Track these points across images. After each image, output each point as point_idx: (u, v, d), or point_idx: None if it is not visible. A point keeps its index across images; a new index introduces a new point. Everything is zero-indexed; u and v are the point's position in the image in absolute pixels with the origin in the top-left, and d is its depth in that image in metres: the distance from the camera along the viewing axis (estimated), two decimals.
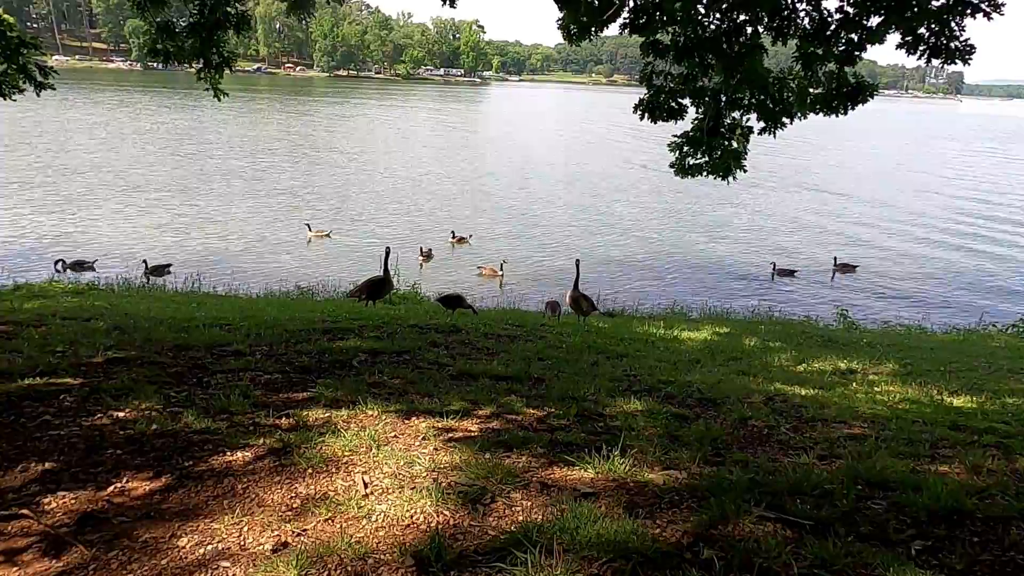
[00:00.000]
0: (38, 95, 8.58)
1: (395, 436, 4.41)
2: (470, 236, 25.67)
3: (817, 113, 7.31)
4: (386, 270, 10.24)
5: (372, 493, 3.60)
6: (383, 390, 5.52)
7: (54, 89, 8.72)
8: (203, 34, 8.10)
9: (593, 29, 7.01)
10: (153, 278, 18.86)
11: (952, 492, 3.71)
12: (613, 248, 26.69)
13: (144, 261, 19.99)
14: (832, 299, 21.43)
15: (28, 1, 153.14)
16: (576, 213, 32.68)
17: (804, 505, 3.59)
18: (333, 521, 3.32)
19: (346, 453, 4.06)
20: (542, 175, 43.50)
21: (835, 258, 24.57)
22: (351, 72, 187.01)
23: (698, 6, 6.81)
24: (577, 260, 11.35)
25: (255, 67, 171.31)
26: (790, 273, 23.74)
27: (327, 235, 25.43)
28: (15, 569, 2.93)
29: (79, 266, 19.79)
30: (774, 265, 23.85)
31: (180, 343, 6.65)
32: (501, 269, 21.77)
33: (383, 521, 3.32)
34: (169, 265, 20.26)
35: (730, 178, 7.82)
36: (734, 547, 3.13)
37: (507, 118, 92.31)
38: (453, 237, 25.15)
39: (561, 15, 7.08)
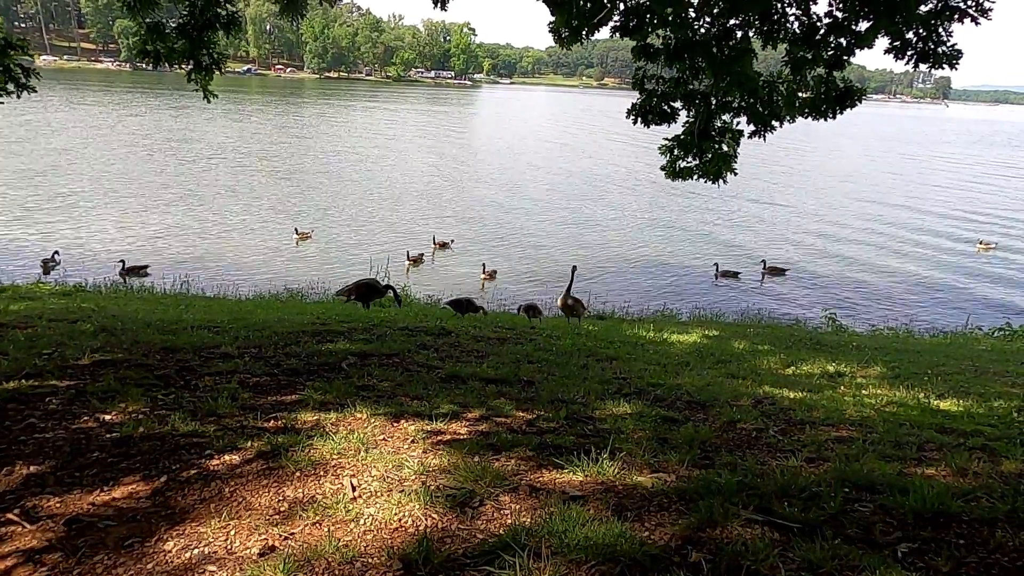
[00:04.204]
0: (18, 97, 8.48)
1: (384, 439, 4.39)
2: (451, 241, 25.71)
3: (806, 117, 7.36)
4: (378, 282, 10.35)
5: (360, 496, 3.59)
6: (372, 393, 5.50)
7: (36, 91, 8.64)
8: (193, 35, 8.06)
9: (584, 32, 7.03)
10: (131, 279, 18.77)
11: (938, 494, 3.72)
12: (601, 251, 26.76)
13: (121, 261, 19.89)
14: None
15: (16, 0, 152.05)
16: (564, 216, 32.75)
17: (792, 508, 3.60)
18: (321, 524, 3.30)
19: (334, 456, 4.04)
20: (531, 179, 43.56)
21: (764, 261, 24.96)
22: (342, 74, 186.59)
23: (689, 10, 6.84)
24: (574, 267, 11.53)
25: (245, 68, 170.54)
26: (734, 275, 24.09)
27: (308, 236, 25.43)
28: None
29: (45, 265, 19.82)
30: (717, 266, 24.19)
31: (168, 345, 6.61)
32: (484, 271, 21.94)
33: (371, 524, 3.31)
34: (147, 266, 20.14)
35: (720, 181, 7.85)
36: (722, 550, 3.13)
37: (497, 122, 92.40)
38: (435, 242, 25.19)
39: (552, 18, 7.10)
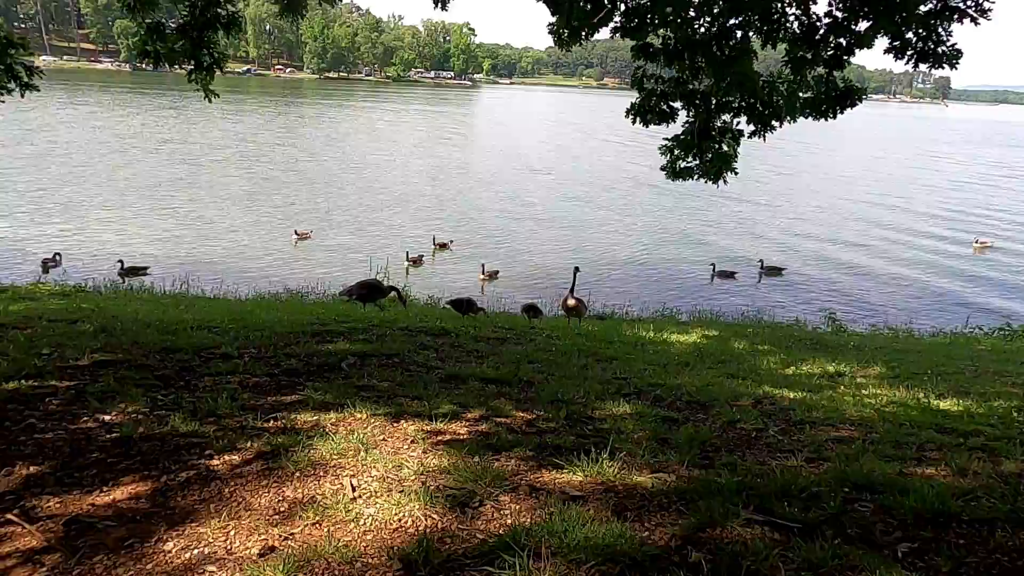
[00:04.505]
0: (22, 96, 8.49)
1: (384, 439, 4.39)
2: (451, 241, 25.72)
3: (806, 117, 7.35)
4: (380, 283, 10.41)
5: (360, 496, 3.58)
6: (372, 393, 5.50)
7: (39, 90, 8.65)
8: (193, 35, 8.06)
9: (584, 33, 7.03)
10: (130, 279, 18.79)
11: (938, 494, 3.72)
12: (601, 251, 26.78)
13: (120, 261, 19.89)
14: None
15: (16, 1, 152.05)
16: (564, 216, 32.77)
17: (792, 508, 3.60)
18: (321, 525, 3.30)
19: (334, 456, 4.04)
20: (530, 180, 43.61)
21: (761, 261, 24.99)
22: (341, 74, 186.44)
23: (689, 9, 6.83)
24: (576, 268, 11.58)
25: (245, 68, 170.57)
26: (730, 275, 24.14)
27: (308, 236, 25.44)
28: None
29: (44, 264, 19.94)
30: (713, 267, 24.27)
31: (167, 346, 6.61)
32: (483, 271, 21.93)
33: (371, 525, 3.31)
34: (146, 267, 20.13)
35: (720, 181, 7.84)
36: (722, 550, 3.13)
37: (496, 122, 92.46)
38: (435, 243, 25.21)
39: (553, 20, 7.10)
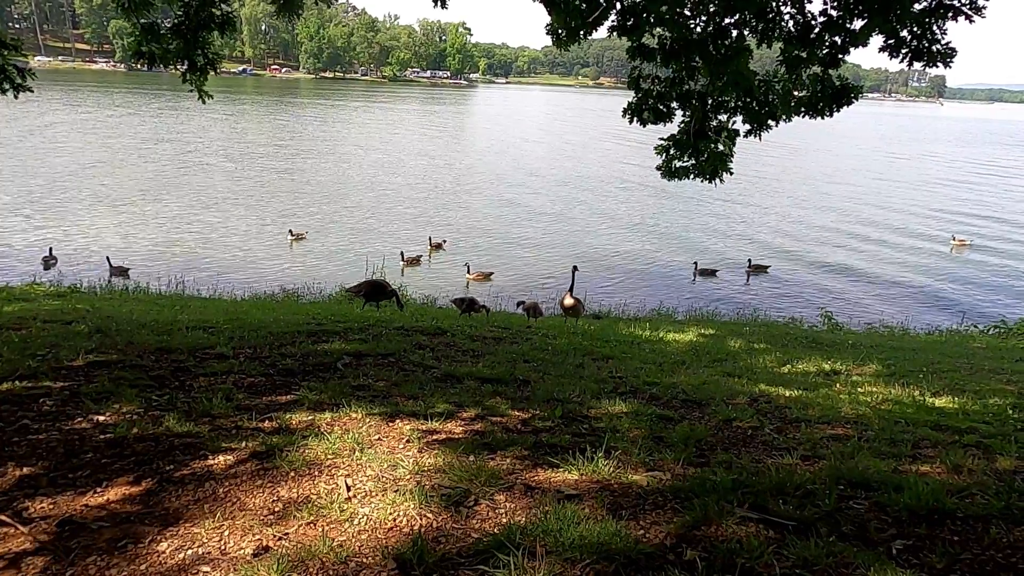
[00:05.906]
0: (16, 97, 8.47)
1: (379, 439, 4.38)
2: (444, 241, 25.73)
3: (802, 115, 7.35)
4: (386, 284, 10.44)
5: (355, 496, 3.58)
6: (367, 392, 5.50)
7: (32, 91, 8.62)
8: (187, 35, 8.04)
9: (582, 32, 7.03)
10: (123, 280, 18.85)
11: (933, 492, 3.73)
12: (598, 251, 26.79)
13: (107, 258, 20.01)
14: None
15: (10, 1, 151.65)
16: (561, 216, 32.79)
17: (787, 505, 3.60)
18: (315, 525, 3.29)
19: (329, 456, 4.03)
20: (527, 180, 43.60)
21: (749, 260, 25.19)
22: (337, 74, 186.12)
23: (684, 8, 6.83)
24: (574, 267, 11.63)
25: (240, 68, 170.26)
26: (712, 273, 24.31)
27: (303, 237, 25.43)
28: None
29: (45, 262, 20.24)
30: (696, 264, 24.31)
31: (162, 346, 6.59)
32: (469, 271, 21.92)
33: (365, 524, 3.30)
34: (128, 269, 20.20)
35: (716, 180, 7.85)
36: (717, 548, 3.13)
37: (493, 122, 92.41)
38: (431, 243, 25.23)
39: (550, 20, 7.10)
